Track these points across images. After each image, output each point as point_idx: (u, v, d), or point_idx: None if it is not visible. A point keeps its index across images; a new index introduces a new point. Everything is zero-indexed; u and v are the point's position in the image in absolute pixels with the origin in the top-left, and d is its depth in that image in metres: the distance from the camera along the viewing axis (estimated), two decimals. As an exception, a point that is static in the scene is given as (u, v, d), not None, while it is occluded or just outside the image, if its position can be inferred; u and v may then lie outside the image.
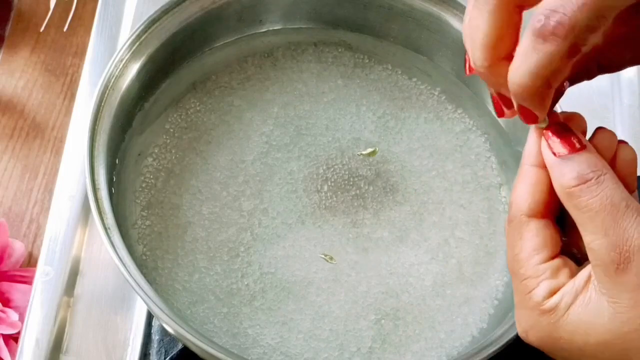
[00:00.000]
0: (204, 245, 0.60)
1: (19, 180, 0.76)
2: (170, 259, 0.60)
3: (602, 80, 0.71)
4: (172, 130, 0.64)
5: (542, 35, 0.36)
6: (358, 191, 0.63)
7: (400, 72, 0.69)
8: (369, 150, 0.62)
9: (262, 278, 0.59)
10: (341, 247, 0.61)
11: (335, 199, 0.63)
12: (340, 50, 0.69)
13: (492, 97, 0.42)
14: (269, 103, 0.66)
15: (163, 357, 0.62)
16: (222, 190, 0.62)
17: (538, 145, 0.40)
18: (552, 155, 0.39)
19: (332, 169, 0.64)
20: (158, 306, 0.52)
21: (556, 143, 0.39)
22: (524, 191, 0.40)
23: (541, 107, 0.39)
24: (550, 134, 0.40)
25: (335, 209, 0.62)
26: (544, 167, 0.40)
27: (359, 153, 0.62)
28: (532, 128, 0.41)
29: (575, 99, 0.72)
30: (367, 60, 0.69)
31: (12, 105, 0.80)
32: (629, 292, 0.36)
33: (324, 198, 0.63)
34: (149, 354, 0.62)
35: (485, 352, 0.53)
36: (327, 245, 0.61)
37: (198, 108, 0.66)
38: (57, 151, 0.76)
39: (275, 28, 0.69)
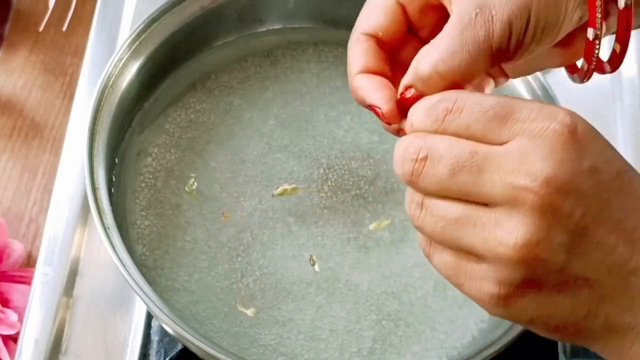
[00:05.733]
0: (203, 246, 0.60)
1: (18, 180, 0.76)
2: (170, 259, 0.59)
3: (603, 80, 0.71)
4: (171, 129, 0.64)
5: None
6: (358, 191, 0.63)
7: (400, 72, 0.68)
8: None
9: (262, 278, 0.59)
10: (341, 247, 0.61)
11: (335, 199, 0.63)
12: (340, 50, 0.69)
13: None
14: (269, 103, 0.66)
15: (162, 358, 0.62)
16: (222, 190, 0.62)
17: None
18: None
19: (332, 169, 0.64)
20: (157, 306, 0.52)
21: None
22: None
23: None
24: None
25: (336, 209, 0.62)
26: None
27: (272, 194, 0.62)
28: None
29: (576, 98, 0.72)
30: (367, 60, 0.69)
31: (11, 105, 0.80)
32: None
33: (324, 198, 0.63)
34: (149, 354, 0.62)
35: (486, 352, 0.53)
36: (328, 245, 0.61)
37: (198, 108, 0.65)
38: (56, 151, 0.76)
39: (275, 27, 0.69)
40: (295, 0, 0.68)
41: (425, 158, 0.39)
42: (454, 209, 0.39)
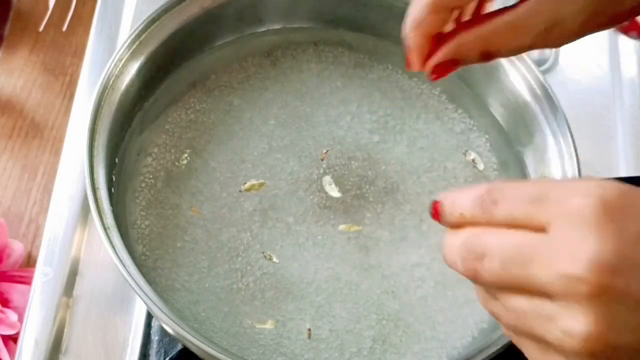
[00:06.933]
0: (203, 246, 0.60)
1: (18, 180, 0.76)
2: (170, 259, 0.59)
3: (603, 80, 0.71)
4: (171, 129, 0.64)
5: None
6: (358, 191, 0.63)
7: (400, 72, 0.68)
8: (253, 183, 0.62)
9: (261, 278, 0.59)
10: (342, 247, 0.61)
11: (335, 199, 0.63)
12: (340, 50, 0.69)
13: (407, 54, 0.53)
14: (269, 103, 0.66)
15: (162, 358, 0.62)
16: (222, 190, 0.62)
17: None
18: None
19: (332, 169, 0.64)
20: (157, 306, 0.52)
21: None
22: None
23: (418, 53, 0.52)
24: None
25: (336, 209, 0.62)
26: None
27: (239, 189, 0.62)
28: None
29: (576, 99, 0.72)
30: (367, 60, 0.69)
31: (11, 105, 0.80)
32: None
33: (324, 198, 0.63)
34: (149, 354, 0.62)
35: (486, 352, 0.53)
36: (328, 245, 0.61)
37: (198, 108, 0.65)
38: (56, 151, 0.76)
39: (275, 27, 0.69)
40: (295, 0, 0.68)
41: (480, 256, 0.39)
42: (521, 303, 0.38)
